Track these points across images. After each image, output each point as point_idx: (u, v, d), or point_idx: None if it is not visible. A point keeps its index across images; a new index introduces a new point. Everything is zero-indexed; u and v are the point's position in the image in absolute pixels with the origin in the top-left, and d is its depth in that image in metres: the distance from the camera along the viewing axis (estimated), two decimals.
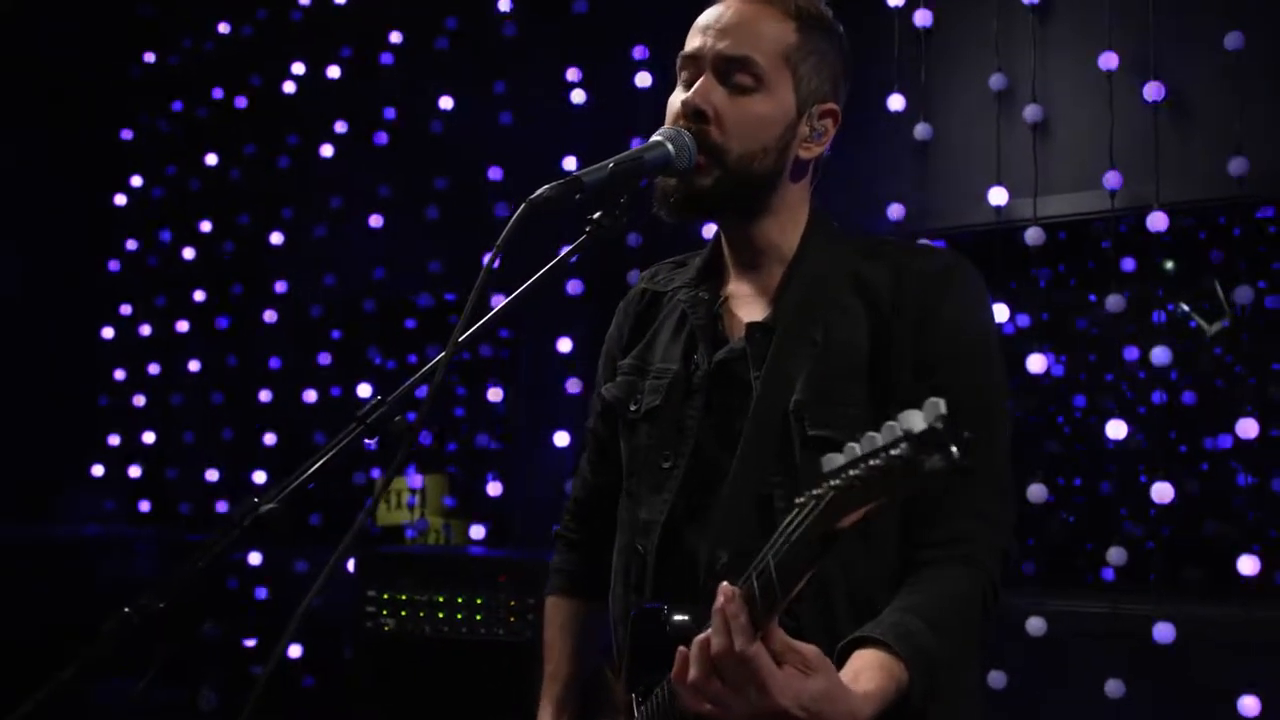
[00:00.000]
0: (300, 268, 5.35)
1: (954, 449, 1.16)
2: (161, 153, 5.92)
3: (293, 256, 5.41)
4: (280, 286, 5.38)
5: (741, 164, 1.77)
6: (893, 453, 1.19)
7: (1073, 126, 3.79)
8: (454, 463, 5.15)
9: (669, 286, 2.01)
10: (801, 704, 1.40)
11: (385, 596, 3.90)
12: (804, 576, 1.35)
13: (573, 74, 4.63)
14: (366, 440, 1.46)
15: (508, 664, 3.69)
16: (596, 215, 1.62)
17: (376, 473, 5.05)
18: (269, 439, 5.29)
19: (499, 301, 1.55)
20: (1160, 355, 3.49)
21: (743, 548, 1.68)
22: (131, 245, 5.94)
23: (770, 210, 1.85)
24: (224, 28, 5.76)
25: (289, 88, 5.46)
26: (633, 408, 1.93)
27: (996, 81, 3.85)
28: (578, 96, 4.61)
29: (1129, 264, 3.99)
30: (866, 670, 1.52)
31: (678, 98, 1.82)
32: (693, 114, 1.77)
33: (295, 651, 4.75)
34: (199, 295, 5.66)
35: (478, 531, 4.67)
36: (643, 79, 4.40)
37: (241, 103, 5.66)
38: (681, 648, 1.48)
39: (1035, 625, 3.50)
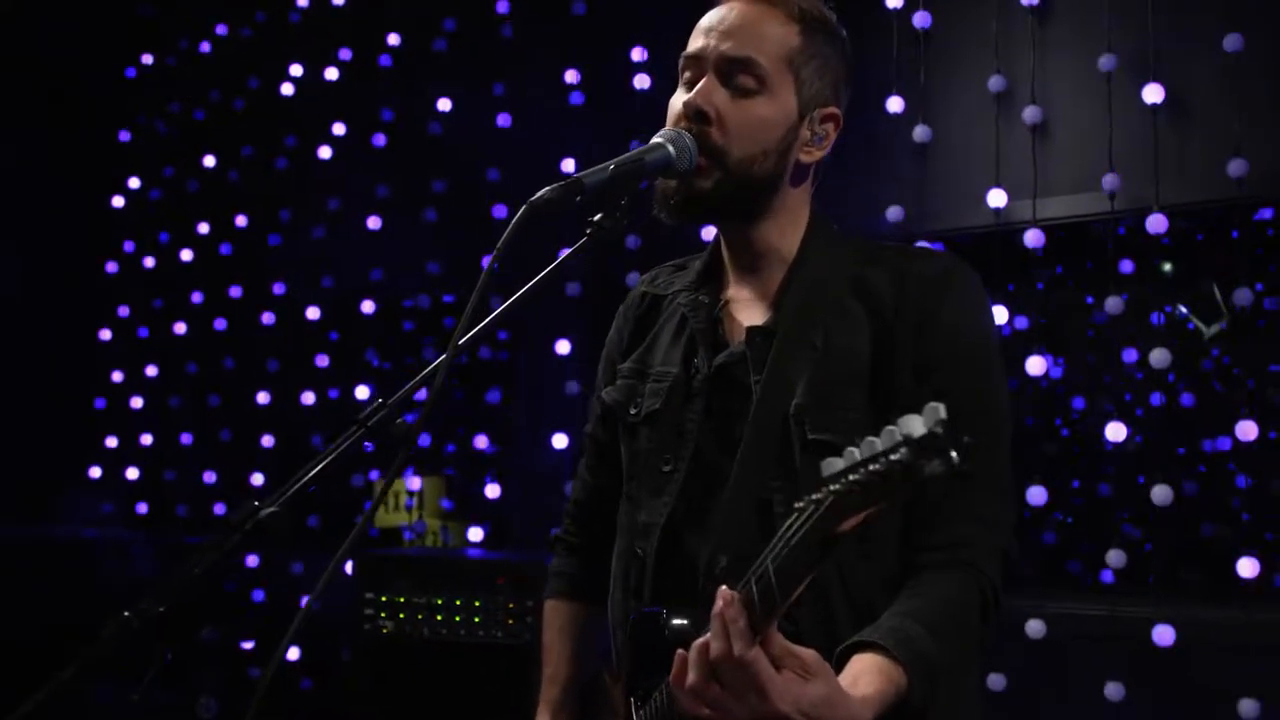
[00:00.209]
0: (298, 269, 5.35)
1: (953, 454, 1.16)
2: (159, 154, 5.91)
3: (291, 258, 5.40)
4: (278, 288, 5.38)
5: (742, 166, 1.77)
6: (892, 457, 1.19)
7: (1072, 128, 3.79)
8: (452, 465, 5.15)
9: (669, 290, 2.00)
10: (801, 709, 1.40)
11: (383, 599, 3.90)
12: (803, 581, 1.34)
13: (571, 75, 4.63)
14: (365, 443, 1.46)
15: (506, 666, 3.69)
16: (597, 217, 1.62)
17: (375, 475, 5.05)
18: (267, 441, 5.28)
19: (498, 304, 1.55)
20: (1159, 357, 3.49)
21: (742, 552, 1.68)
22: (129, 247, 5.94)
23: (770, 213, 1.84)
24: (222, 29, 5.76)
25: (287, 89, 5.45)
26: (633, 411, 1.92)
27: (995, 83, 3.85)
28: (576, 98, 4.61)
29: (1128, 266, 3.99)
30: (865, 674, 1.51)
31: (679, 99, 1.82)
32: (694, 115, 1.77)
33: (293, 654, 4.75)
34: (197, 297, 5.65)
35: (476, 534, 4.67)
36: (641, 80, 4.40)
37: (239, 104, 5.65)
38: (680, 651, 1.48)
39: (1034, 628, 3.50)
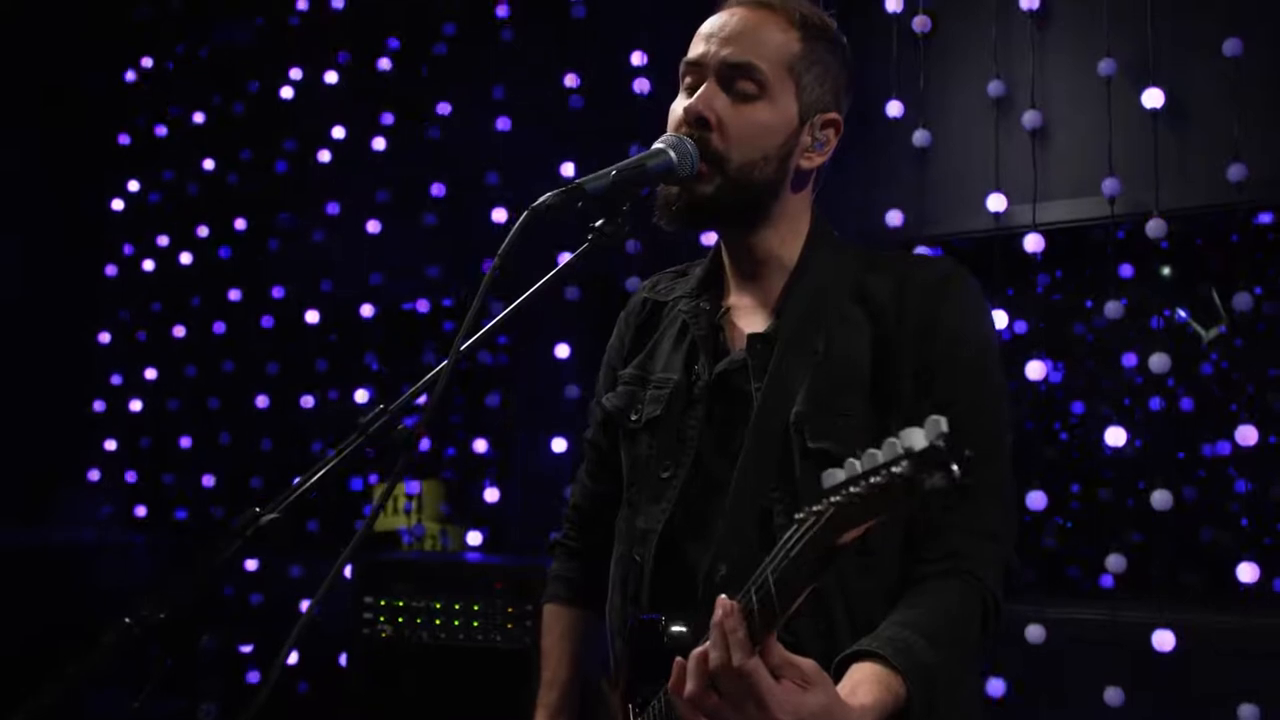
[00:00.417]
0: (297, 273, 5.34)
1: (954, 467, 1.16)
2: (159, 158, 5.91)
3: (290, 262, 5.40)
4: (277, 292, 5.38)
5: (743, 172, 1.77)
6: (894, 470, 1.19)
7: (1071, 133, 3.79)
8: (451, 468, 5.14)
9: (670, 296, 2.01)
10: (799, 718, 1.40)
11: (382, 603, 3.89)
12: (803, 592, 1.34)
13: (571, 79, 4.62)
14: (366, 450, 1.46)
15: (505, 670, 3.68)
16: (598, 223, 1.62)
17: (375, 479, 5.04)
18: (266, 444, 5.28)
19: (499, 308, 1.55)
20: (1158, 362, 3.49)
21: (742, 560, 1.68)
22: (128, 250, 5.93)
23: (771, 220, 1.84)
24: (220, 33, 5.75)
25: (286, 93, 5.45)
26: (633, 417, 1.92)
27: (995, 88, 3.85)
28: (576, 102, 4.61)
29: (1127, 270, 3.99)
30: (864, 684, 1.51)
31: (680, 104, 1.82)
32: (695, 120, 1.77)
33: (291, 658, 4.74)
34: (196, 300, 5.65)
35: (475, 538, 4.66)
36: (641, 85, 4.40)
37: (239, 108, 5.65)
38: (679, 659, 1.48)
39: (1034, 633, 3.49)
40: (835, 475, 1.26)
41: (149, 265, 5.84)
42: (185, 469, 5.57)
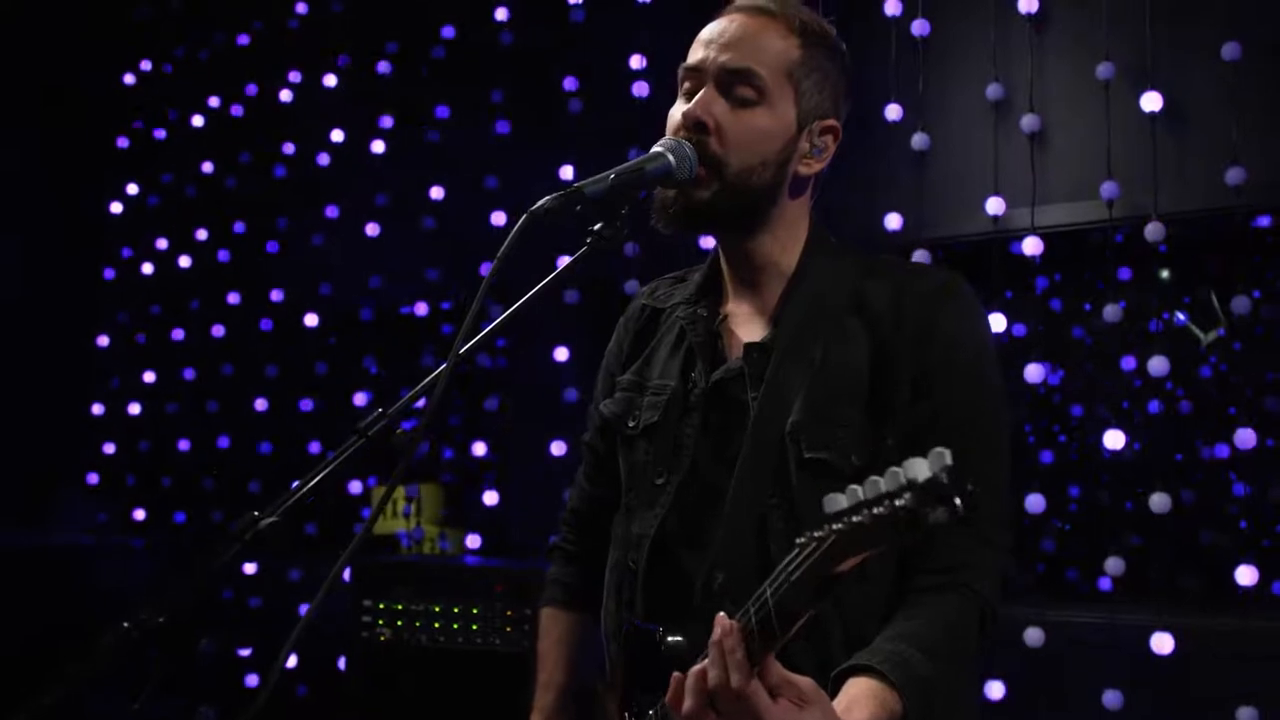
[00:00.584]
0: (296, 276, 5.34)
1: (957, 501, 1.16)
2: (157, 161, 5.91)
3: (289, 265, 5.40)
4: (276, 295, 5.37)
5: (740, 177, 1.77)
6: (897, 502, 1.19)
7: (1070, 136, 3.79)
8: (450, 471, 5.14)
9: (668, 302, 2.01)
10: None
11: (381, 606, 3.89)
12: (803, 616, 1.35)
13: (570, 83, 4.63)
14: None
15: (504, 674, 3.68)
16: (597, 226, 1.62)
17: (373, 482, 5.04)
18: (265, 448, 5.28)
19: (498, 311, 1.55)
20: (1157, 365, 3.49)
21: (738, 569, 1.68)
22: (127, 253, 5.93)
23: (768, 226, 1.84)
24: (220, 36, 5.75)
25: (285, 96, 5.45)
26: (631, 424, 1.93)
27: (993, 91, 3.85)
28: (575, 105, 4.61)
29: (1125, 273, 4.00)
30: (860, 700, 1.52)
31: (679, 109, 1.82)
32: (694, 125, 1.77)
33: (290, 661, 4.74)
34: (195, 303, 5.65)
35: (474, 541, 4.66)
36: (640, 88, 4.40)
37: (238, 111, 5.65)
38: (677, 674, 1.48)
39: (1033, 636, 3.49)
40: (837, 501, 1.26)
41: (148, 268, 5.84)
42: (184, 472, 5.56)
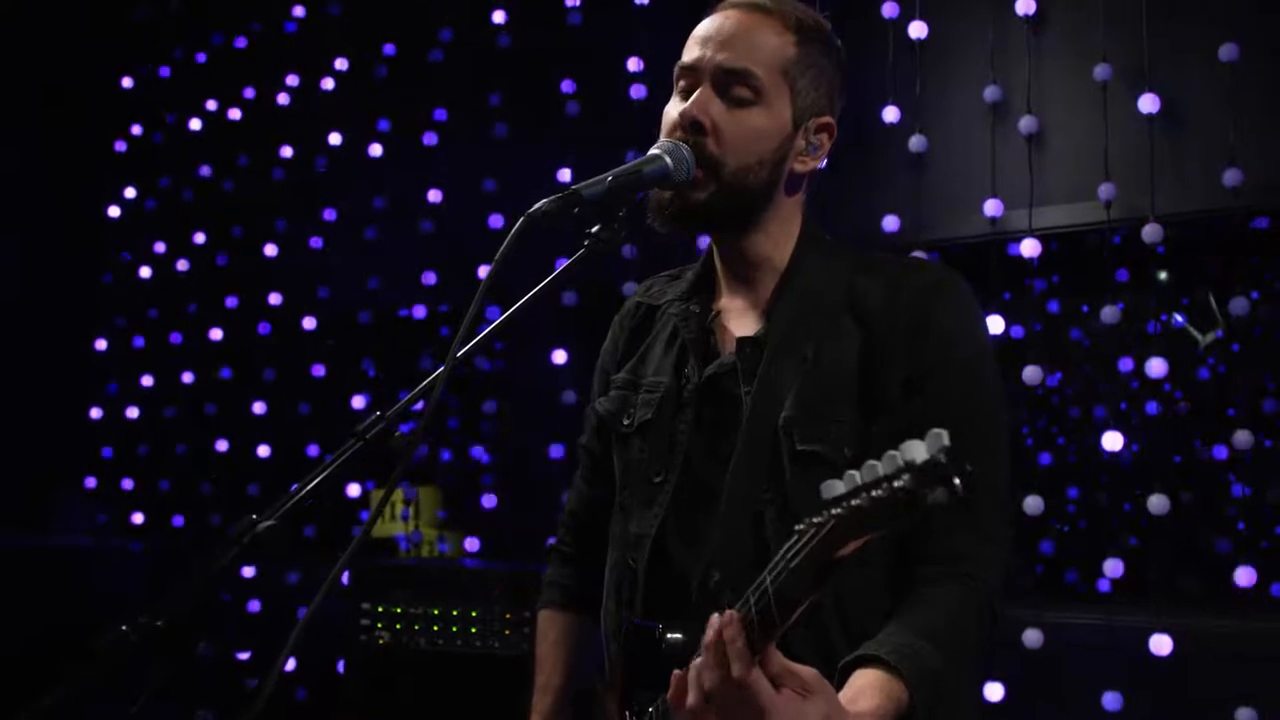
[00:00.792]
0: (294, 279, 5.34)
1: (956, 481, 1.16)
2: (155, 164, 5.91)
3: (287, 268, 5.40)
4: (274, 298, 5.37)
5: (737, 177, 1.77)
6: (895, 484, 1.18)
7: (1067, 138, 3.79)
8: (448, 474, 5.14)
9: (662, 300, 2.00)
10: None
11: (380, 609, 3.89)
12: (803, 603, 1.34)
13: (567, 85, 4.63)
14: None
15: (502, 677, 3.68)
16: (595, 229, 1.62)
17: (371, 485, 5.04)
18: (263, 451, 5.27)
19: (496, 314, 1.55)
20: (1155, 366, 3.49)
21: (735, 565, 1.68)
22: (125, 257, 5.93)
23: (763, 224, 1.84)
24: (218, 39, 5.75)
25: (283, 99, 5.45)
26: (625, 422, 1.92)
27: (991, 93, 3.86)
28: (572, 108, 4.61)
29: (1123, 275, 4.00)
30: (866, 691, 1.51)
31: (675, 108, 1.81)
32: (690, 125, 1.77)
33: (289, 664, 4.73)
34: (193, 307, 5.64)
35: (472, 544, 4.66)
36: (637, 90, 4.40)
37: (235, 114, 5.65)
38: (677, 671, 1.47)
39: (1032, 638, 3.49)
40: (835, 487, 1.25)
41: (146, 272, 5.83)
42: (182, 476, 5.56)
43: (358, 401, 4.94)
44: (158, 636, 1.25)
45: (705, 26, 1.83)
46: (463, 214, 4.78)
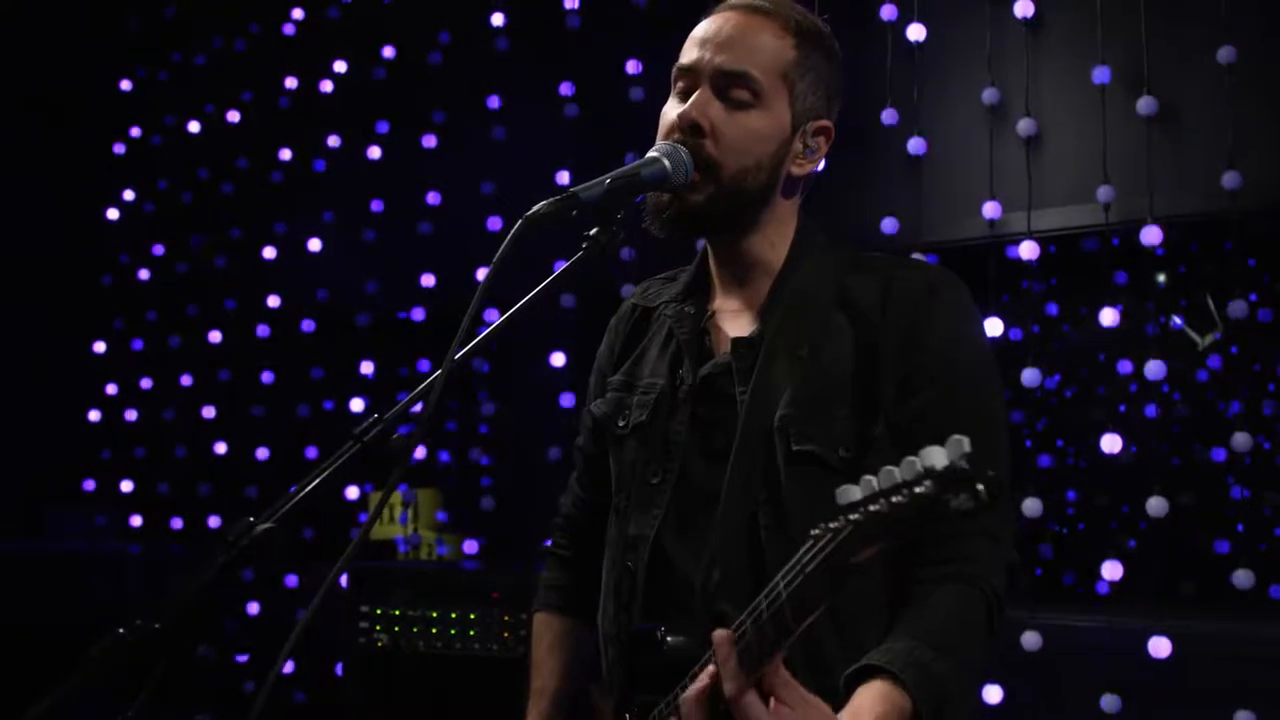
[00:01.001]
0: (293, 282, 5.34)
1: (980, 487, 1.15)
2: (154, 166, 5.91)
3: (285, 271, 5.40)
4: (273, 301, 5.37)
5: (735, 180, 1.77)
6: (916, 490, 1.17)
7: (1065, 140, 3.79)
8: (447, 477, 5.13)
9: (658, 301, 2.00)
10: None
11: (378, 612, 3.88)
12: (816, 610, 1.34)
13: (566, 88, 4.63)
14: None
15: (501, 680, 3.67)
16: (593, 231, 1.61)
17: (370, 488, 5.04)
18: (261, 454, 5.27)
19: (494, 316, 1.54)
20: (1153, 369, 3.49)
21: (734, 567, 1.68)
22: (124, 259, 5.93)
23: (759, 226, 1.84)
24: (217, 41, 5.75)
25: (281, 102, 5.45)
26: (620, 424, 1.92)
27: (989, 95, 3.86)
28: (571, 110, 4.61)
29: (1122, 277, 4.00)
30: (869, 705, 1.51)
31: (673, 110, 1.81)
32: (689, 127, 1.76)
33: (288, 667, 4.73)
34: (191, 309, 5.64)
35: (471, 546, 4.66)
36: (636, 93, 4.40)
37: (234, 117, 5.65)
38: (685, 696, 1.47)
39: (1030, 640, 3.49)
40: (850, 492, 1.24)
41: (144, 274, 5.83)
42: (180, 479, 5.55)
43: (356, 404, 4.94)
44: (155, 640, 1.25)
45: (704, 28, 1.83)
46: (461, 216, 4.78)
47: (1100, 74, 3.66)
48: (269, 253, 5.42)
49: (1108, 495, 4.38)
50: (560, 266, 1.62)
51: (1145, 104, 3.59)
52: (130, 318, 5.86)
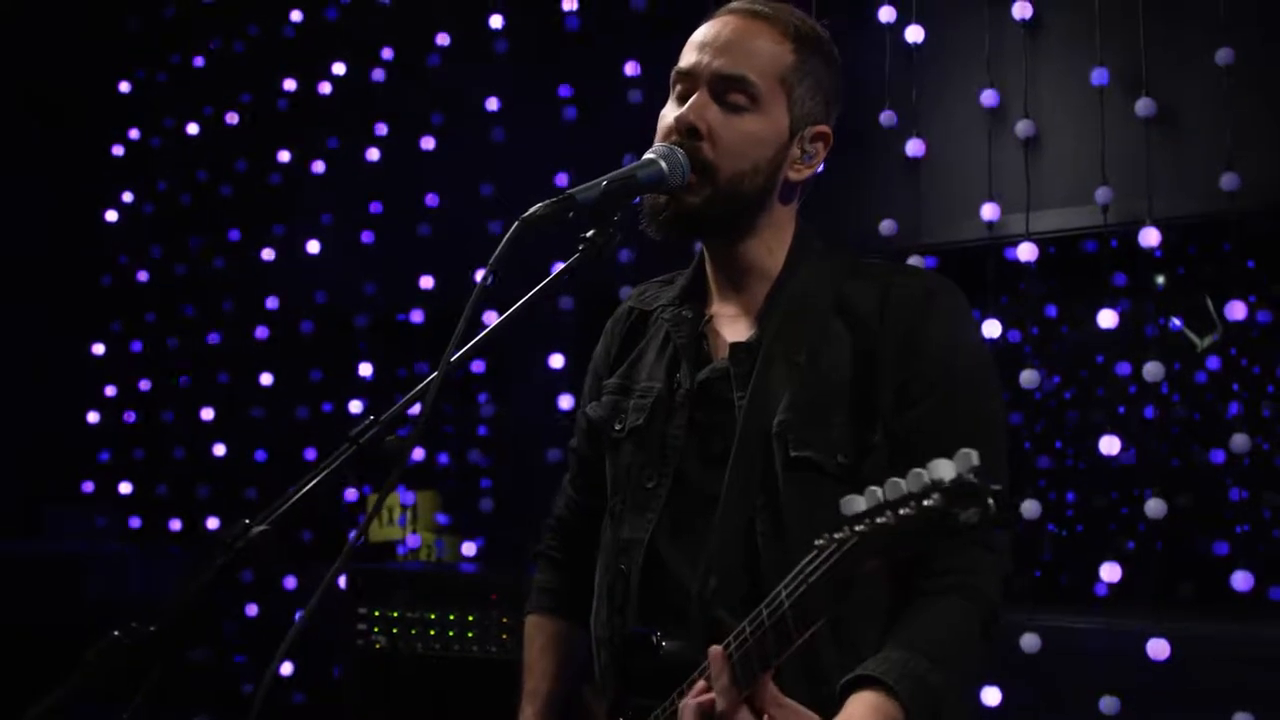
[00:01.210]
0: (292, 283, 5.34)
1: (990, 502, 1.15)
2: (152, 168, 5.91)
3: (284, 272, 5.39)
4: (271, 302, 5.37)
5: (732, 183, 1.77)
6: (925, 503, 1.17)
7: (1064, 142, 3.79)
8: (445, 479, 5.13)
9: (655, 305, 2.00)
10: None
11: (377, 614, 3.88)
12: (819, 620, 1.33)
13: (565, 90, 4.63)
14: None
15: (499, 682, 3.67)
16: (589, 233, 1.61)
17: (368, 489, 5.03)
18: (260, 455, 5.27)
19: (492, 318, 1.54)
20: (1152, 370, 3.49)
21: (730, 572, 1.68)
22: (122, 260, 5.92)
23: (756, 230, 1.84)
24: (215, 43, 5.75)
25: (280, 104, 5.45)
26: (617, 427, 1.92)
27: (988, 97, 3.85)
28: (570, 113, 4.61)
29: (1121, 279, 4.00)
30: (859, 715, 1.50)
31: (671, 112, 1.81)
32: (686, 130, 1.76)
33: (286, 669, 4.73)
34: (190, 311, 5.64)
35: (469, 548, 4.65)
36: (635, 95, 4.40)
37: (232, 118, 5.65)
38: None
39: (1029, 642, 3.49)
40: (855, 503, 1.24)
41: (143, 276, 5.83)
42: (179, 480, 5.55)
43: (355, 406, 4.93)
44: (151, 642, 1.25)
45: (703, 32, 1.83)
46: (460, 218, 4.78)
47: (1099, 76, 3.66)
48: (268, 254, 5.42)
49: (1106, 497, 4.37)
50: (558, 268, 1.62)
51: (1144, 106, 3.59)
52: (129, 319, 5.85)
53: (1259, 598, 3.60)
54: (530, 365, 4.58)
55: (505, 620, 3.71)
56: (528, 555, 2.23)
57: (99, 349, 5.89)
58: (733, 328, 1.86)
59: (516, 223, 1.52)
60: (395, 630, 3.85)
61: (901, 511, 1.19)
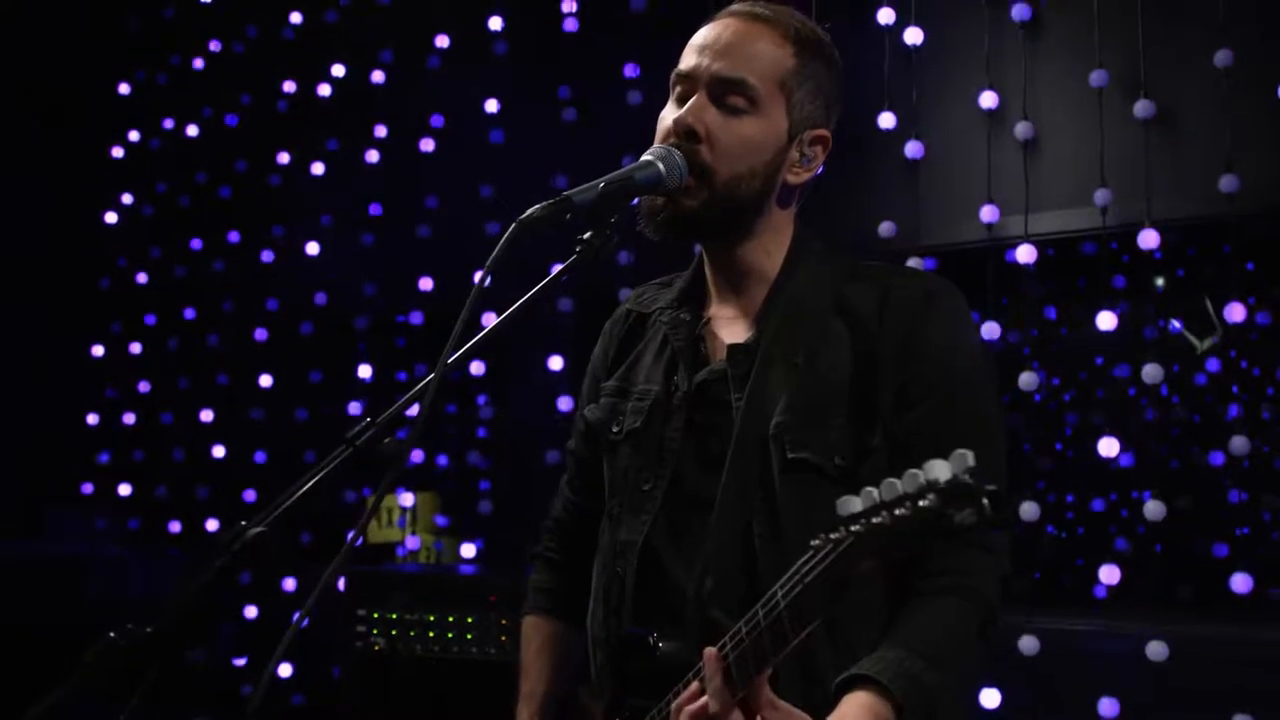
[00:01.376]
0: (291, 285, 5.34)
1: (985, 502, 1.14)
2: (152, 170, 5.91)
3: (283, 274, 5.39)
4: (271, 304, 5.37)
5: (729, 186, 1.77)
6: (920, 504, 1.17)
7: (1063, 144, 3.79)
8: (445, 481, 5.13)
9: (653, 307, 2.00)
10: None
11: (376, 615, 3.88)
12: (814, 621, 1.33)
13: (564, 92, 4.63)
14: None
15: (499, 683, 3.67)
16: (587, 235, 1.61)
17: (367, 491, 5.03)
18: (260, 457, 5.27)
19: (490, 320, 1.54)
20: (1151, 372, 3.49)
21: (726, 574, 1.68)
22: (122, 262, 5.92)
23: (755, 233, 1.84)
24: (215, 45, 5.75)
25: (280, 105, 5.45)
26: (614, 429, 1.92)
27: (987, 99, 3.86)
28: (569, 114, 4.61)
29: (1120, 281, 4.00)
30: (852, 715, 1.50)
31: (669, 114, 1.81)
32: (685, 133, 1.76)
33: (286, 670, 4.73)
34: (189, 313, 5.64)
35: (469, 550, 4.65)
36: (634, 97, 4.40)
37: (232, 120, 5.65)
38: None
39: (1027, 644, 3.49)
40: (851, 503, 1.24)
41: (142, 277, 5.83)
42: (178, 482, 5.55)
43: (354, 408, 4.93)
44: (147, 644, 1.25)
45: (703, 34, 1.83)
46: (460, 220, 4.78)
47: (1098, 77, 3.66)
48: (267, 256, 5.42)
49: (1105, 499, 4.37)
50: (556, 270, 1.62)
51: (1143, 107, 3.59)
52: (128, 321, 5.85)
53: (1258, 600, 3.60)
54: (529, 367, 4.58)
55: (504, 622, 3.71)
56: (526, 557, 2.22)
57: (99, 350, 5.89)
58: (731, 330, 1.86)
59: (513, 224, 1.52)
60: (394, 632, 3.85)
61: (897, 512, 1.19)
